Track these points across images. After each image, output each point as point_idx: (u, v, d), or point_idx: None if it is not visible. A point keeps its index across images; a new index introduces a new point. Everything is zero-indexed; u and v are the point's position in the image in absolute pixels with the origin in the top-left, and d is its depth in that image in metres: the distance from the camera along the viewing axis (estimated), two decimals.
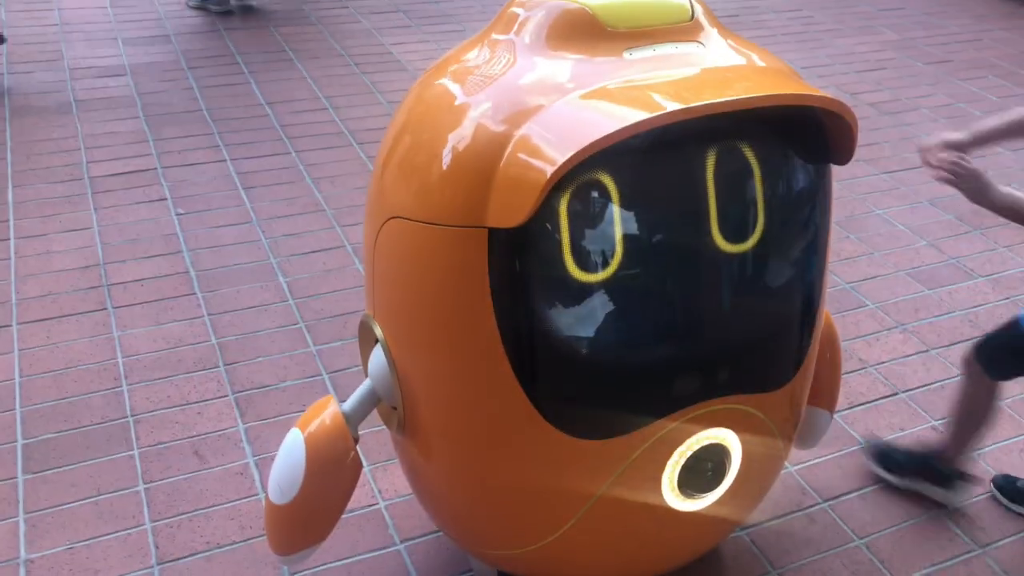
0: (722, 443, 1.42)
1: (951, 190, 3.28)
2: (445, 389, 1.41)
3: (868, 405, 2.25)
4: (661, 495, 1.41)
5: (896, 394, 2.29)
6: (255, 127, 3.53)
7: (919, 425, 2.19)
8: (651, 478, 1.39)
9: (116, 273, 2.62)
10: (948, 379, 2.35)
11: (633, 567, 1.56)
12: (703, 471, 1.42)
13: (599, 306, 1.31)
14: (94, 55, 4.12)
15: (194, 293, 2.55)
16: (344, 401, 1.51)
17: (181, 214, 2.92)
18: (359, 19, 4.70)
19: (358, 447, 1.51)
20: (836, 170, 1.48)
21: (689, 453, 1.39)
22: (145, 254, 2.71)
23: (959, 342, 2.50)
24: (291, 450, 1.48)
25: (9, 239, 2.75)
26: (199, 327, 2.42)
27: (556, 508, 1.41)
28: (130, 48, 4.21)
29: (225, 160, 3.28)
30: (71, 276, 2.59)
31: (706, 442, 1.40)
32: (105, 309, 2.47)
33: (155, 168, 3.20)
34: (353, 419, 1.50)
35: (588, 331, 1.32)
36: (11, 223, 2.83)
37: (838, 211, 3.11)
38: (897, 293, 2.70)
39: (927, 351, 2.46)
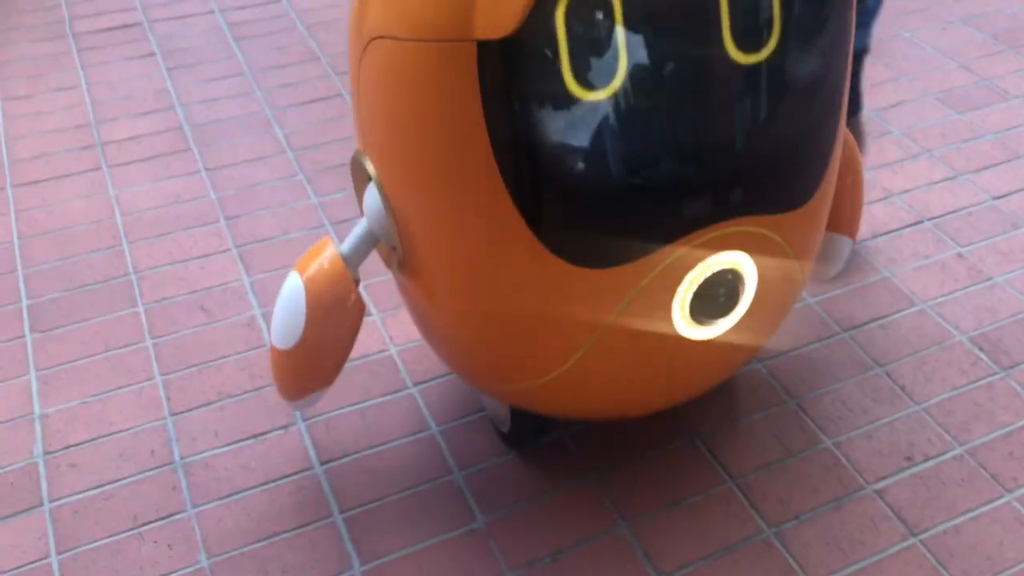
0: (736, 267, 1.35)
1: (988, 7, 3.09)
2: (442, 223, 1.34)
3: (892, 234, 2.17)
4: (672, 323, 1.36)
5: (921, 222, 2.20)
6: None
7: (944, 252, 2.11)
8: (661, 305, 1.34)
9: (109, 132, 2.53)
10: (975, 205, 2.25)
11: (646, 398, 1.53)
12: (716, 297, 1.37)
13: (601, 125, 1.22)
14: None
15: (189, 148, 2.47)
16: (342, 243, 1.46)
17: (171, 68, 2.80)
18: None
19: (362, 289, 1.47)
20: None
21: (701, 279, 1.33)
22: (138, 111, 2.62)
23: (989, 167, 2.38)
24: (291, 295, 1.44)
25: None
26: (197, 182, 2.35)
27: (564, 339, 1.37)
28: None
29: (214, 11, 3.12)
30: (63, 136, 2.51)
31: (719, 267, 1.34)
32: (100, 168, 2.40)
33: (141, 23, 3.05)
34: (352, 260, 1.45)
35: (590, 153, 1.23)
36: None
37: None
38: (925, 118, 2.57)
39: (955, 177, 2.35)
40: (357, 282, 1.46)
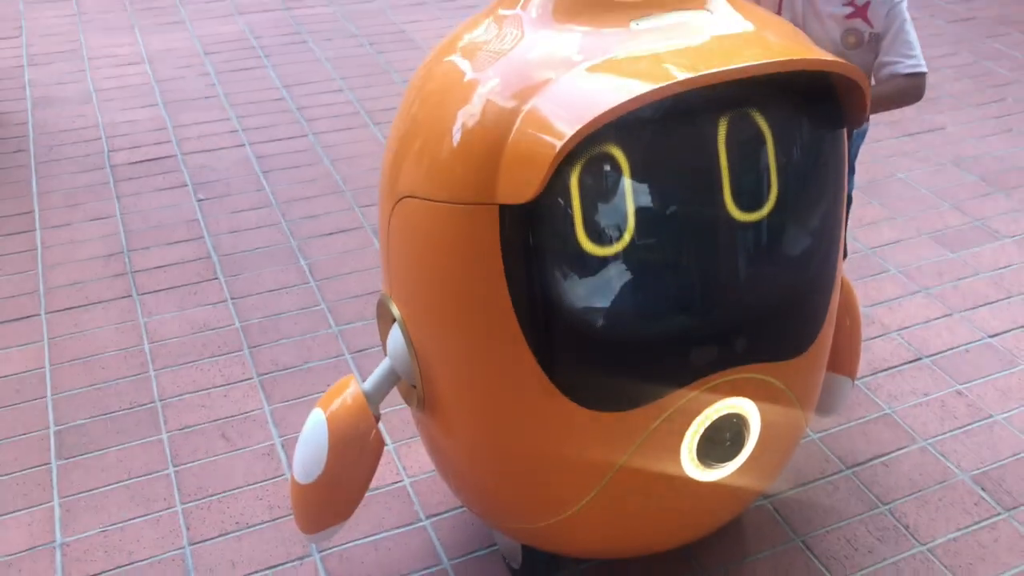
0: (740, 412, 1.42)
1: (976, 150, 3.24)
2: (462, 366, 1.42)
3: (891, 371, 2.24)
4: (681, 466, 1.42)
5: (919, 359, 2.27)
6: (272, 110, 3.55)
7: (943, 389, 2.18)
8: (670, 449, 1.40)
9: (140, 260, 2.66)
10: (973, 342, 2.33)
11: (655, 538, 1.57)
12: (722, 441, 1.42)
13: (613, 279, 1.31)
14: (112, 43, 4.15)
15: (217, 277, 2.58)
16: (365, 380, 1.53)
17: (202, 200, 2.95)
18: None
19: (380, 425, 1.53)
20: None
21: (708, 423, 1.39)
22: (168, 240, 2.75)
23: (984, 304, 2.47)
24: (314, 430, 1.50)
25: (35, 229, 2.79)
26: (222, 311, 2.45)
27: (576, 481, 1.42)
28: (147, 36, 4.23)
29: (244, 144, 3.30)
30: (96, 264, 2.63)
31: (724, 412, 1.40)
32: (130, 296, 2.51)
33: (175, 155, 3.23)
34: (374, 398, 1.52)
35: (603, 304, 1.32)
36: (36, 213, 2.87)
37: (860, 176, 3.07)
38: (920, 257, 2.67)
39: (951, 314, 2.43)
40: (378, 418, 1.53)
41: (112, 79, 3.81)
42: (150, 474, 1.95)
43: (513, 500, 1.51)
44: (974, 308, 2.46)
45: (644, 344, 1.34)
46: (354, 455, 1.52)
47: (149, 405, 2.14)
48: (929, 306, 2.47)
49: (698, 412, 1.38)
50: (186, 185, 3.04)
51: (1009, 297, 2.51)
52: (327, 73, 3.87)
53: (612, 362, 1.34)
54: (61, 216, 2.86)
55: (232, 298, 2.50)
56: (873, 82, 1.90)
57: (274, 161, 3.19)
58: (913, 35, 1.84)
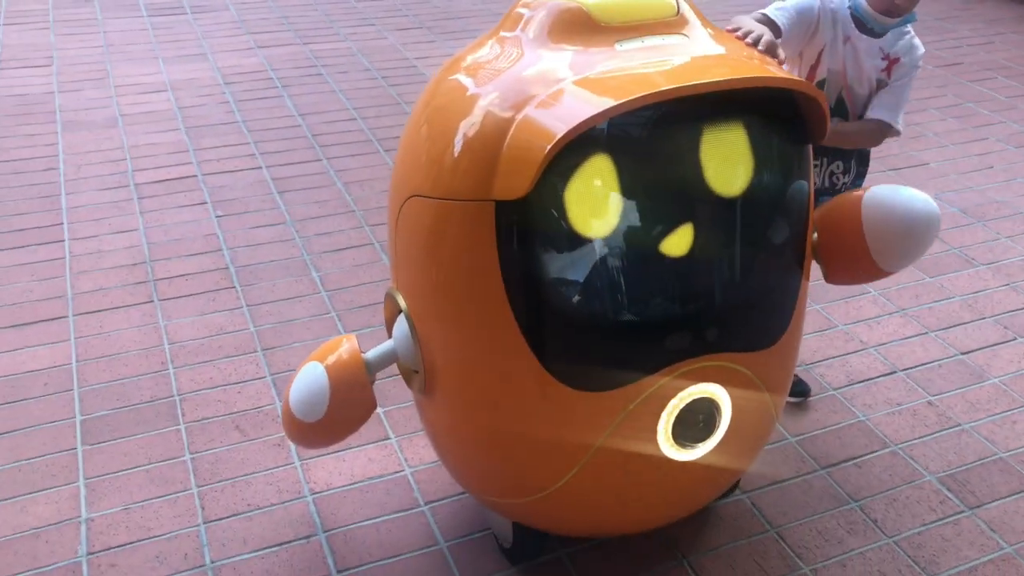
0: (712, 397, 1.55)
1: (958, 184, 3.41)
2: (461, 352, 1.56)
3: (867, 382, 2.37)
4: (657, 445, 1.55)
5: (894, 372, 2.41)
6: (289, 136, 3.74)
7: (915, 400, 2.30)
8: (647, 429, 1.53)
9: (161, 269, 2.82)
10: (945, 358, 2.46)
11: (634, 516, 1.69)
12: (695, 423, 1.56)
13: (598, 268, 1.46)
14: (137, 73, 4.36)
15: (233, 287, 2.74)
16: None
17: (220, 216, 3.12)
18: (385, 35, 4.92)
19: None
20: None
21: (682, 405, 1.53)
22: (188, 252, 2.91)
23: (957, 325, 2.61)
24: (314, 380, 1.62)
25: (64, 240, 2.96)
26: (238, 317, 2.60)
27: (560, 458, 1.55)
28: (170, 66, 4.45)
29: (261, 167, 3.48)
30: (120, 272, 2.80)
31: (697, 396, 1.54)
32: (152, 302, 2.66)
33: (195, 175, 3.41)
34: (373, 366, 1.65)
35: (588, 292, 1.47)
36: (65, 226, 3.04)
37: None
38: (899, 280, 2.81)
39: (926, 333, 2.57)
40: (372, 381, 1.66)
41: (137, 105, 4.01)
42: (168, 460, 2.09)
43: (502, 475, 1.64)
44: (948, 328, 2.60)
45: (624, 329, 1.49)
46: (352, 403, 1.65)
47: (168, 399, 2.28)
48: (906, 325, 2.61)
49: (673, 395, 1.52)
50: (205, 203, 3.21)
51: (982, 319, 2.65)
52: (341, 104, 4.06)
53: (595, 345, 1.48)
54: (88, 229, 3.03)
55: (248, 305, 2.65)
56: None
57: (289, 183, 3.37)
58: (907, 96, 2.01)
